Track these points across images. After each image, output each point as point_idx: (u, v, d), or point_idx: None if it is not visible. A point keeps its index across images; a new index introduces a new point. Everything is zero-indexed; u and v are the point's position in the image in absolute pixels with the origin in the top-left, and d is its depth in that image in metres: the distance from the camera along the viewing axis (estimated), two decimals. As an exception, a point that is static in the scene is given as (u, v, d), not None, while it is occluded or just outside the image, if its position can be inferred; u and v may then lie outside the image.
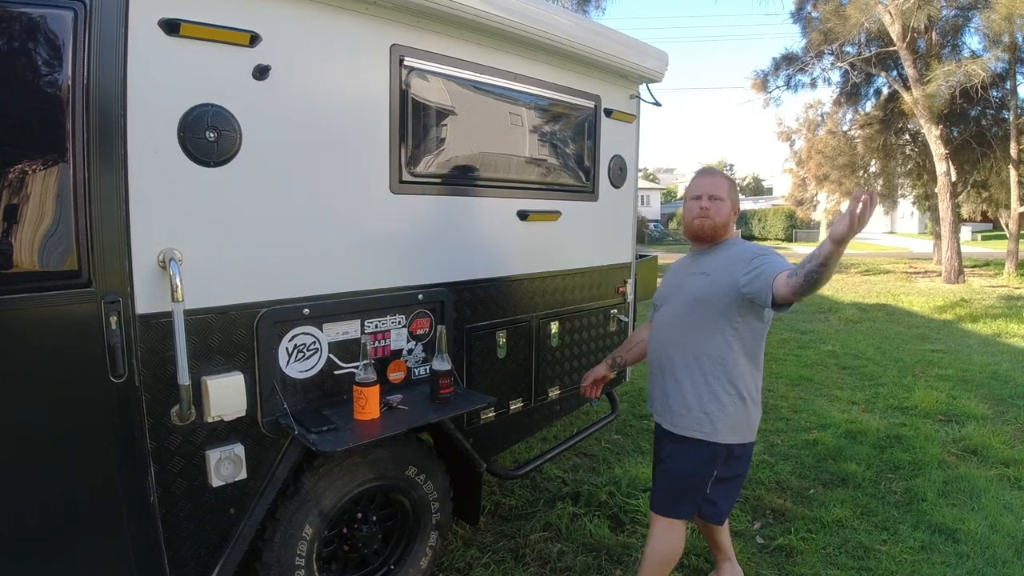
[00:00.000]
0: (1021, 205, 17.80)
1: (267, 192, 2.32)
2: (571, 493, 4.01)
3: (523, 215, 3.28)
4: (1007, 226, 19.25)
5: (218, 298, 2.23)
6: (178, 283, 2.02)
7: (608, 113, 3.74)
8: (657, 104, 3.99)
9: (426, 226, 2.88)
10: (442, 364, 2.72)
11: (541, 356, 3.52)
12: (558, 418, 3.84)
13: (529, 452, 4.61)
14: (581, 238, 3.68)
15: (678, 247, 43.52)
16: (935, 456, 4.61)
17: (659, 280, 3.64)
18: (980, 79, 15.48)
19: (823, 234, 49.05)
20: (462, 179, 3.01)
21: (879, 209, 38.41)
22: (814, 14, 19.51)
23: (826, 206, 34.98)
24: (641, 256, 4.64)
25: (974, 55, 17.17)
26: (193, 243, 2.14)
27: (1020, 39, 17.10)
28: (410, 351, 2.88)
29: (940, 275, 17.85)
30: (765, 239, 48.35)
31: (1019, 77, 18.21)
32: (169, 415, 2.14)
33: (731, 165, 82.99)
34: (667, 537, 2.64)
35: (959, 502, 3.96)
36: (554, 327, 3.56)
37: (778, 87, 21.21)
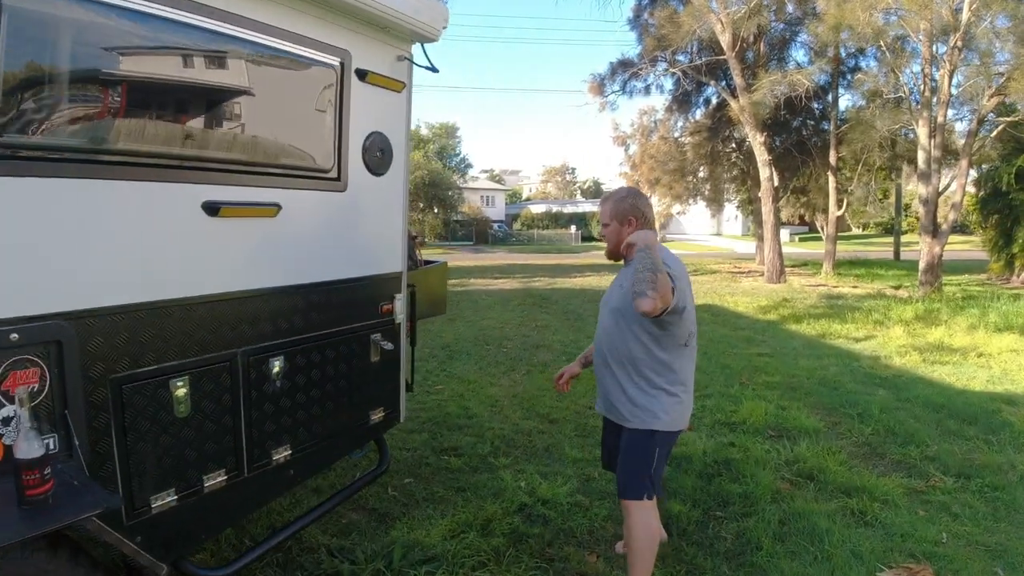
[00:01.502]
0: (838, 209, 18.84)
1: None
2: (329, 573, 3.07)
3: (212, 208, 2.28)
4: (823, 228, 20.40)
5: None
6: None
7: (362, 76, 2.82)
8: (433, 70, 3.14)
9: (25, 224, 1.82)
10: (30, 449, 1.67)
11: (257, 407, 2.53)
12: (293, 485, 2.86)
13: (298, 509, 3.62)
14: (318, 241, 2.73)
15: (520, 247, 43.77)
16: (768, 486, 4.08)
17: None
18: (805, 88, 16.13)
19: (657, 236, 51.46)
20: (101, 151, 1.97)
21: (706, 212, 40.41)
22: (650, 22, 19.78)
23: (658, 209, 36.28)
24: (426, 263, 3.77)
25: (799, 67, 17.99)
26: None
27: (843, 53, 18.12)
28: (5, 421, 1.82)
29: (763, 275, 18.52)
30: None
31: (840, 89, 19.35)
32: None
33: (573, 169, 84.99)
34: (644, 518, 2.84)
35: (799, 549, 3.38)
36: (276, 365, 2.58)
37: (614, 92, 21.48)
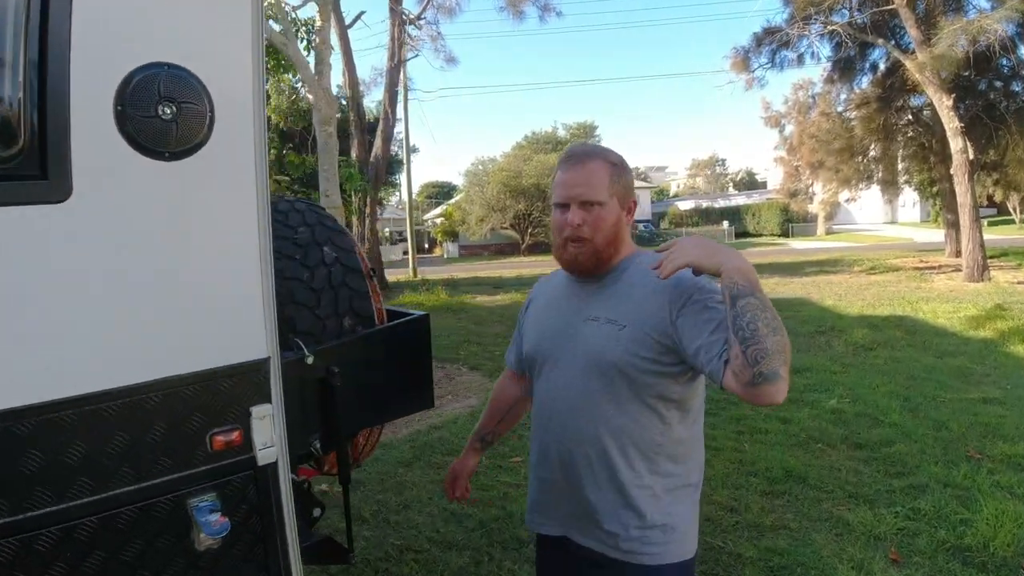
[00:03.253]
0: (1052, 184, 15.28)
1: None
2: None
3: None
4: (1015, 210, 16.71)
5: None
6: None
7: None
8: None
9: None
10: None
11: None
12: None
13: None
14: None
15: (666, 249, 40.95)
16: None
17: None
18: (996, 34, 12.99)
19: (821, 227, 46.52)
20: None
21: (878, 197, 35.75)
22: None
23: (822, 197, 32.47)
24: (396, 315, 2.11)
25: (982, 13, 14.71)
26: None
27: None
28: None
29: (958, 270, 15.28)
30: (760, 235, 45.87)
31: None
32: None
33: (723, 160, 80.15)
34: None
35: None
36: None
37: (761, 65, 18.89)
